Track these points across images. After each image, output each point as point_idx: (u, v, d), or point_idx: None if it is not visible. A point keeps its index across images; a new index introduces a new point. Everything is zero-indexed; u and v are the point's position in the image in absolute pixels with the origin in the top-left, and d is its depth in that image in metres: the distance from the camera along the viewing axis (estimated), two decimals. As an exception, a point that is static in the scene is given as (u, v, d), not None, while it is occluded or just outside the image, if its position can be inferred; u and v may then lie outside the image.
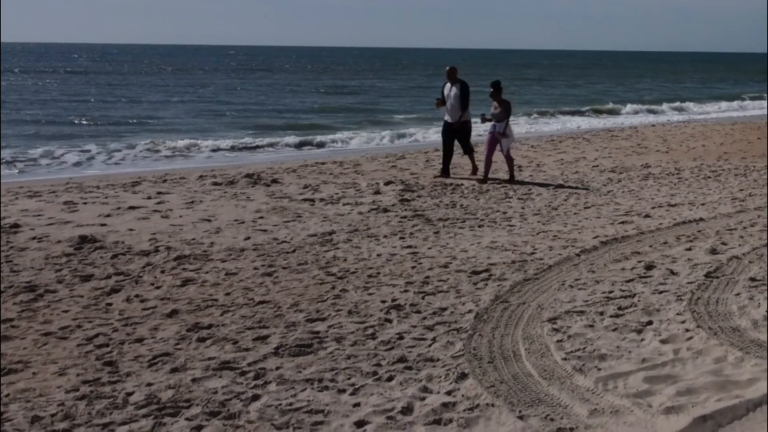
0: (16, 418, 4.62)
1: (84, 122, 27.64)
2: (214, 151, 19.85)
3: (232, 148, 20.35)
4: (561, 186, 13.20)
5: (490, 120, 13.59)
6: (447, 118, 14.06)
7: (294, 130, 24.61)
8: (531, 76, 75.16)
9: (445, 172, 14.03)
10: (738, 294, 6.95)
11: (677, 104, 38.90)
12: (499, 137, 13.40)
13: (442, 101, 14.09)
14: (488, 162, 13.58)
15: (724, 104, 40.86)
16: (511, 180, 13.51)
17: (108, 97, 39.63)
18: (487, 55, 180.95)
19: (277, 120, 29.29)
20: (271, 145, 21.12)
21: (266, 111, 33.40)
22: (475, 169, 14.14)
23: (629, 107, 36.21)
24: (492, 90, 13.55)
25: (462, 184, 13.16)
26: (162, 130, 24.77)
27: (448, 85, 14.02)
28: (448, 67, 14.26)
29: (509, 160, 13.72)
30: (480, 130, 17.66)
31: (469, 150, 14.31)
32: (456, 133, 14.03)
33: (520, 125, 26.82)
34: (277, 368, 5.37)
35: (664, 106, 37.35)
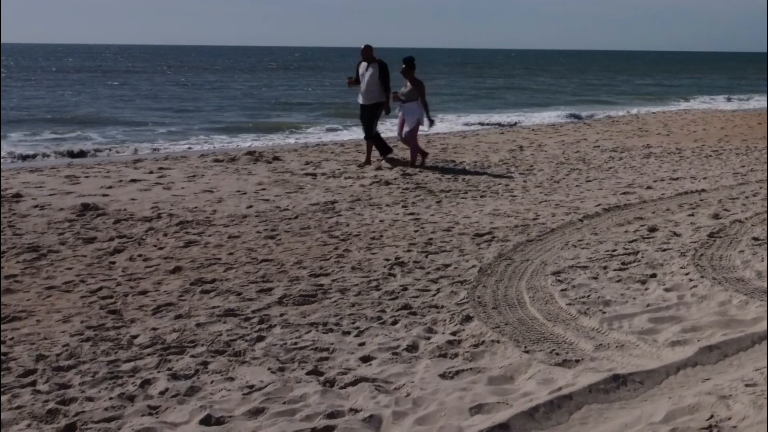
0: (21, 357, 4.62)
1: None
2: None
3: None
4: (562, 163, 13.19)
5: (401, 100, 12.34)
6: (360, 99, 12.64)
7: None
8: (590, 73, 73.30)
9: (384, 151, 12.79)
10: (741, 251, 6.94)
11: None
12: (404, 119, 12.29)
13: (355, 80, 12.70)
14: (415, 146, 12.36)
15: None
16: (412, 164, 12.25)
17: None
18: (479, 55, 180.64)
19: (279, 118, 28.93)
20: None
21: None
22: (367, 161, 12.55)
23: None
24: (404, 67, 12.26)
25: (464, 161, 13.15)
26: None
27: (364, 64, 12.54)
28: (363, 45, 12.66)
29: (411, 146, 12.31)
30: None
31: (370, 136, 12.61)
32: (368, 113, 12.53)
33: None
34: (282, 315, 5.37)
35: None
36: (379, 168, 12.14)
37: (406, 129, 12.21)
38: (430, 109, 12.57)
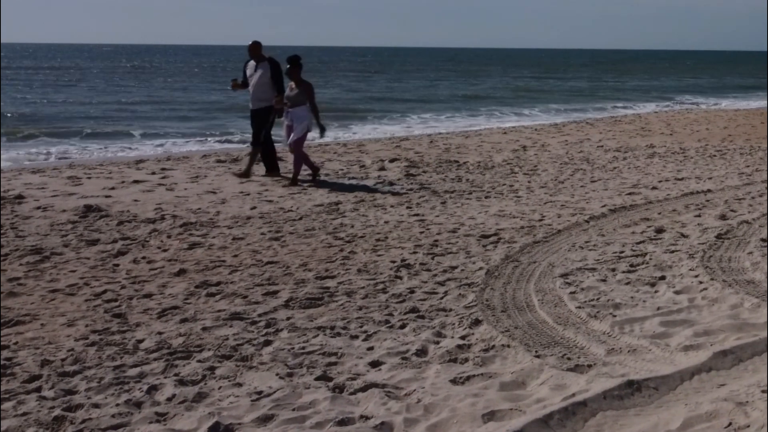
0: (26, 362, 4.55)
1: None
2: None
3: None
4: (566, 163, 13.12)
5: (286, 104, 10.75)
6: (250, 104, 11.25)
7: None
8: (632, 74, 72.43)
9: (271, 168, 11.36)
10: (750, 252, 6.88)
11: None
12: (292, 125, 10.71)
13: (241, 83, 11.32)
14: (305, 159, 10.91)
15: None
16: (294, 182, 10.62)
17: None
18: (486, 54, 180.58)
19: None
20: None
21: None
22: (246, 173, 11.10)
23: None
24: (289, 66, 10.70)
25: (467, 161, 13.09)
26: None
27: (252, 63, 11.17)
28: (250, 42, 11.24)
29: (297, 157, 10.76)
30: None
31: (257, 142, 11.13)
32: (256, 118, 11.15)
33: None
34: (288, 318, 5.31)
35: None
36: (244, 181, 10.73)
37: (293, 137, 10.66)
38: (320, 113, 11.01)
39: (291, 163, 11.05)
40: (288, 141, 10.80)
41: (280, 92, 10.89)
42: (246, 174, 10.97)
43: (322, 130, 10.97)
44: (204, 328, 5.09)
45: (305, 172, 11.03)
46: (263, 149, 11.17)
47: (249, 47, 11.17)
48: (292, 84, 10.72)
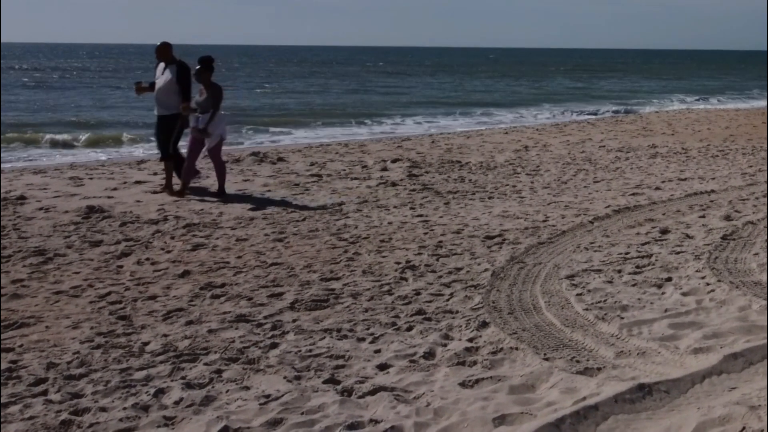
0: (31, 365, 4.52)
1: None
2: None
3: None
4: (568, 163, 13.10)
5: (194, 110, 9.74)
6: (155, 110, 10.02)
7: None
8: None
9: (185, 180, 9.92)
10: (756, 254, 6.86)
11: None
12: (201, 134, 9.67)
13: (149, 86, 10.11)
14: (189, 167, 9.81)
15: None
16: (220, 193, 9.79)
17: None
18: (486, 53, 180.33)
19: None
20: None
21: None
22: (167, 186, 9.96)
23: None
24: (199, 68, 9.69)
25: (470, 162, 13.06)
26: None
27: (161, 65, 10.01)
28: (159, 43, 10.09)
29: (216, 166, 9.87)
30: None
31: (167, 155, 9.92)
32: (162, 127, 9.94)
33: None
34: (294, 321, 5.28)
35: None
36: (180, 193, 9.71)
37: (207, 146, 9.73)
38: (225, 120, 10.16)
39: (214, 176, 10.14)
40: (204, 149, 9.78)
41: (185, 99, 9.75)
42: (179, 193, 9.74)
43: (206, 135, 9.66)
44: (210, 331, 5.06)
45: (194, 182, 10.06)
46: (175, 161, 9.99)
47: (157, 49, 10.03)
48: (202, 88, 9.72)
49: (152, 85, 10.08)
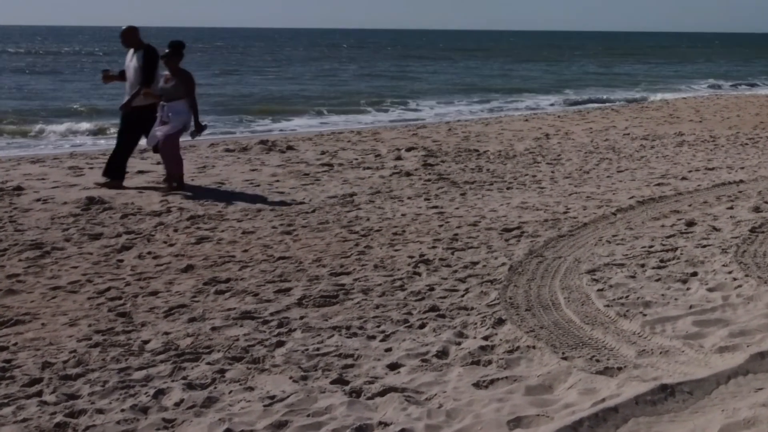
0: (26, 365, 4.35)
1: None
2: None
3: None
4: (591, 152, 12.79)
5: (159, 97, 9.21)
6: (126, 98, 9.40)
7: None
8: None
9: (117, 175, 9.47)
10: (786, 247, 6.58)
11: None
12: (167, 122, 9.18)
13: (119, 75, 9.67)
14: (175, 157, 9.37)
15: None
16: (168, 185, 9.28)
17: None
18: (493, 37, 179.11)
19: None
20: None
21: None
22: (112, 183, 9.37)
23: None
24: (168, 52, 9.14)
25: (487, 150, 12.78)
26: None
27: (130, 52, 9.42)
28: (124, 27, 9.52)
29: (164, 154, 9.29)
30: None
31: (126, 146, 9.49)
32: (129, 124, 9.45)
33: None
34: (302, 317, 5.07)
35: None
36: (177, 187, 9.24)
37: (165, 131, 9.17)
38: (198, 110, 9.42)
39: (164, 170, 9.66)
40: (151, 138, 9.28)
41: (145, 83, 9.15)
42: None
43: (200, 130, 9.38)
44: (213, 328, 4.86)
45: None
46: (115, 150, 9.55)
47: (121, 34, 9.41)
48: (168, 74, 9.17)
49: (122, 73, 9.58)
